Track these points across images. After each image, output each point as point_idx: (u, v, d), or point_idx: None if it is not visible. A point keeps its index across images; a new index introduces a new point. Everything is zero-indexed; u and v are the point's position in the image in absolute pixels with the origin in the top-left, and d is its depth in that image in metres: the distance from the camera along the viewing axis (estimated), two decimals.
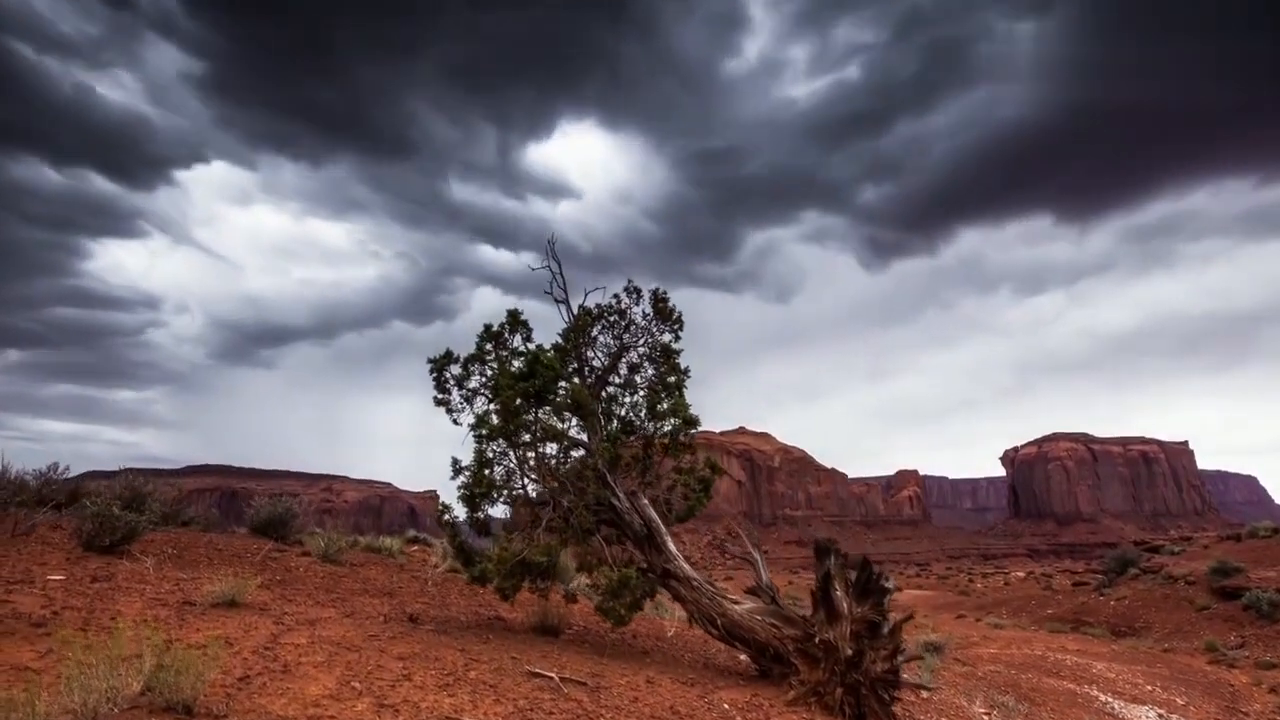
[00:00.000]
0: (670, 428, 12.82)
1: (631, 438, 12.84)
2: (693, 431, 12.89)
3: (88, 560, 12.02)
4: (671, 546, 11.19)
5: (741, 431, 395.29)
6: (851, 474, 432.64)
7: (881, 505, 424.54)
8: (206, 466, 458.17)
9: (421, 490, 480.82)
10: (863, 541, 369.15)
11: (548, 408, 11.63)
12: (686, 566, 11.05)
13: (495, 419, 11.30)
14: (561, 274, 13.45)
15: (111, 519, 12.77)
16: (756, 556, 11.29)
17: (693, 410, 12.77)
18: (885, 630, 9.59)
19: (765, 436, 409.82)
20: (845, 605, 9.64)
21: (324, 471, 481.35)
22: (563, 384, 12.09)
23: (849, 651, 9.45)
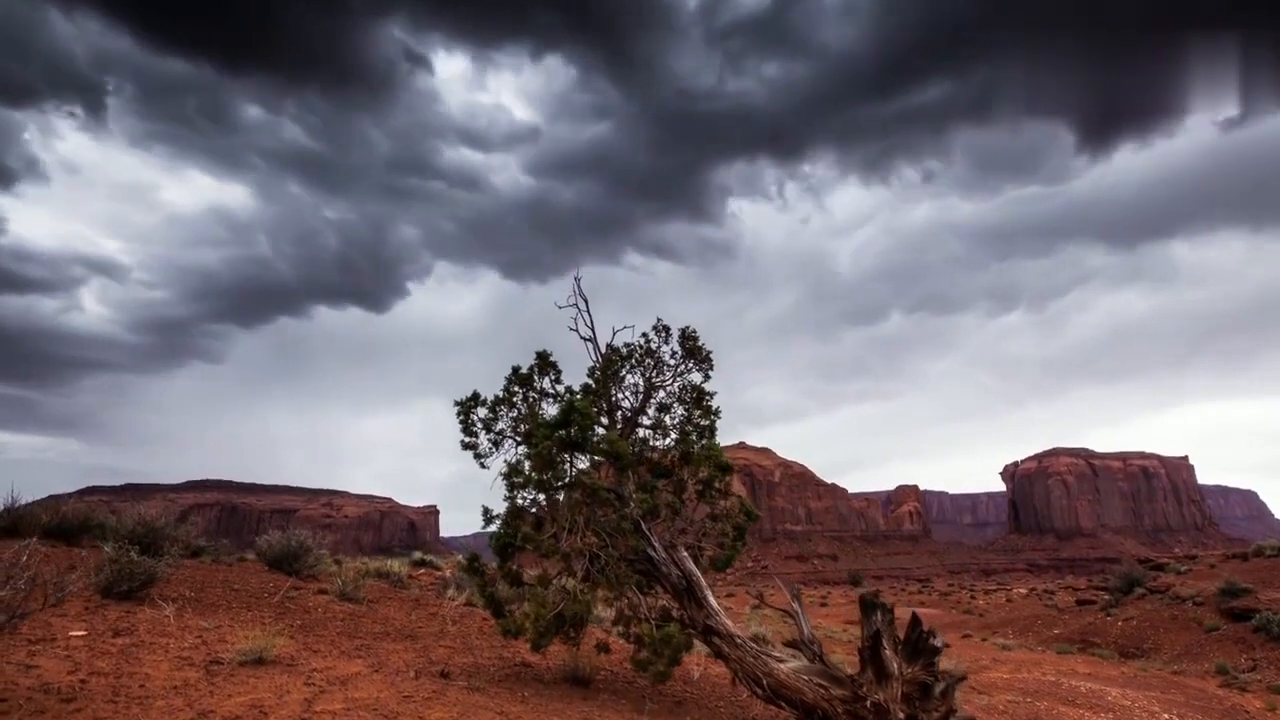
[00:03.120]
0: (705, 474, 12.56)
1: (663, 481, 12.57)
2: (728, 478, 12.65)
3: (107, 609, 11.72)
4: (712, 601, 10.88)
5: (742, 446, 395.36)
6: (852, 489, 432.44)
7: (882, 520, 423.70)
8: (206, 482, 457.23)
9: (421, 505, 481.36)
10: (863, 557, 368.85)
11: (581, 455, 11.36)
12: (728, 623, 10.73)
13: (528, 467, 11.04)
14: (589, 311, 13.22)
15: (130, 565, 12.48)
16: (798, 608, 10.99)
17: (726, 457, 12.52)
18: (937, 691, 9.30)
19: (765, 451, 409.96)
20: (895, 665, 9.34)
21: (324, 486, 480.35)
22: (597, 428, 11.82)
23: (900, 715, 9.14)
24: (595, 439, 11.05)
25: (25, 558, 6.95)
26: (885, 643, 9.45)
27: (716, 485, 12.55)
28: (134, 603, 12.45)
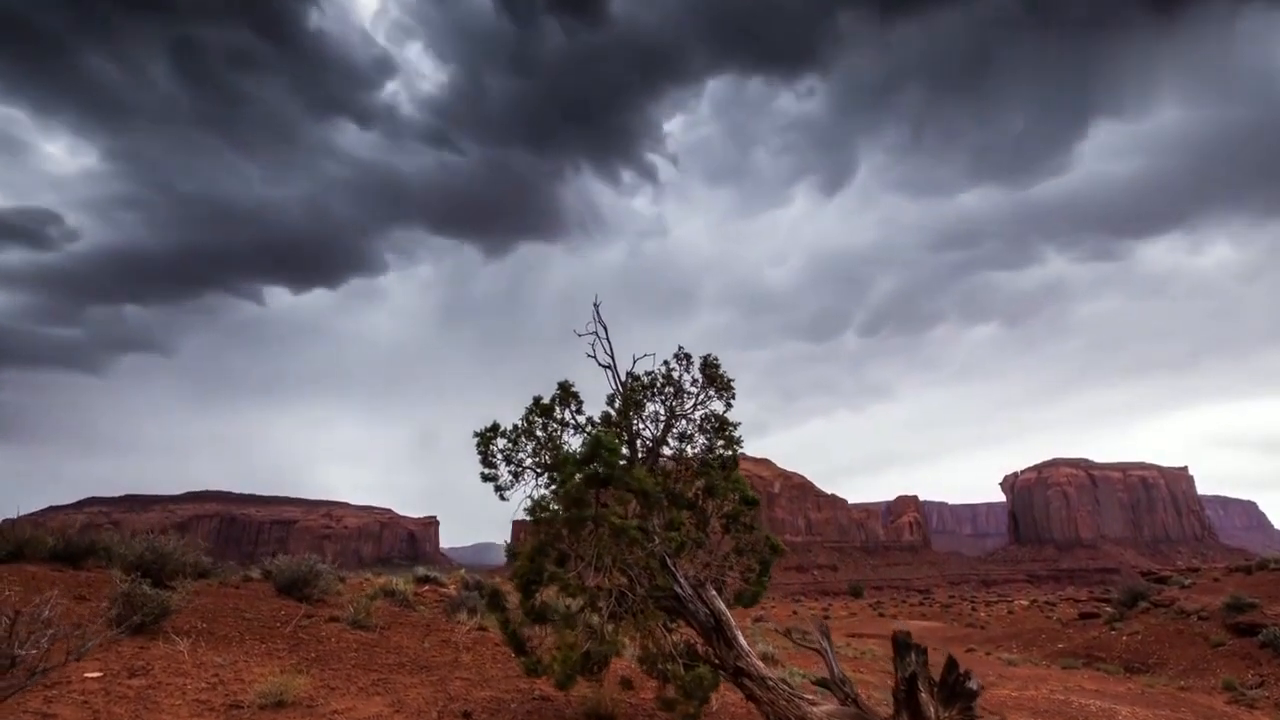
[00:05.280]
0: (730, 508, 12.35)
1: (687, 513, 12.33)
2: (754, 511, 12.44)
3: (119, 644, 11.50)
4: (742, 641, 10.64)
5: (740, 457, 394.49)
6: (851, 499, 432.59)
7: (881, 531, 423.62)
8: (206, 493, 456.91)
9: (421, 516, 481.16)
10: (863, 567, 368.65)
11: (607, 490, 11.13)
12: (760, 664, 10.48)
13: (553, 502, 10.81)
14: (608, 339, 13.01)
15: (143, 599, 12.28)
16: (826, 646, 10.80)
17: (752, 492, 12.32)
18: None
19: (765, 462, 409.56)
20: (932, 710, 9.12)
21: (324, 497, 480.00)
22: (622, 461, 11.59)
23: None
24: (623, 475, 10.83)
25: (47, 612, 6.74)
26: (921, 685, 9.24)
27: (743, 519, 12.34)
28: (147, 636, 12.24)
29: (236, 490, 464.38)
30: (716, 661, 10.67)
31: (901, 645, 9.60)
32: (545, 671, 10.57)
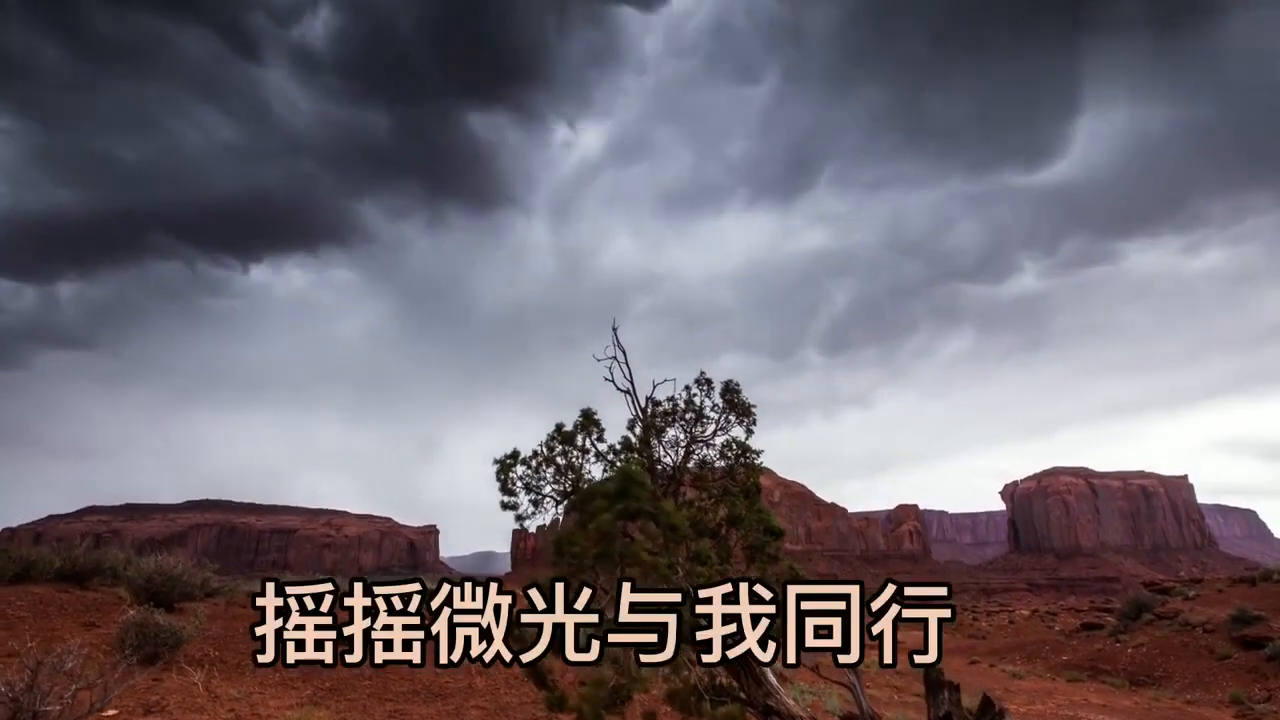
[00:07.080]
0: (754, 539, 12.16)
1: (709, 541, 12.14)
2: (779, 541, 12.25)
3: (132, 676, 11.27)
4: (772, 679, 10.41)
5: None
6: (851, 508, 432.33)
7: (882, 540, 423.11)
8: (206, 501, 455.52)
9: (421, 525, 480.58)
10: (863, 576, 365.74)
11: (633, 523, 10.93)
12: (790, 701, 10.27)
13: (580, 537, 10.60)
14: (627, 363, 12.85)
15: (155, 629, 12.10)
16: (854, 680, 10.61)
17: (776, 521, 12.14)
18: None
19: (765, 471, 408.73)
20: None
21: (324, 506, 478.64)
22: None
23: None
24: (652, 509, 10.62)
25: (70, 663, 6.54)
26: None
27: (768, 550, 12.14)
28: (159, 667, 12.05)
29: (236, 499, 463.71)
30: (745, 698, 10.46)
31: (934, 682, 9.41)
32: (570, 708, 10.36)
